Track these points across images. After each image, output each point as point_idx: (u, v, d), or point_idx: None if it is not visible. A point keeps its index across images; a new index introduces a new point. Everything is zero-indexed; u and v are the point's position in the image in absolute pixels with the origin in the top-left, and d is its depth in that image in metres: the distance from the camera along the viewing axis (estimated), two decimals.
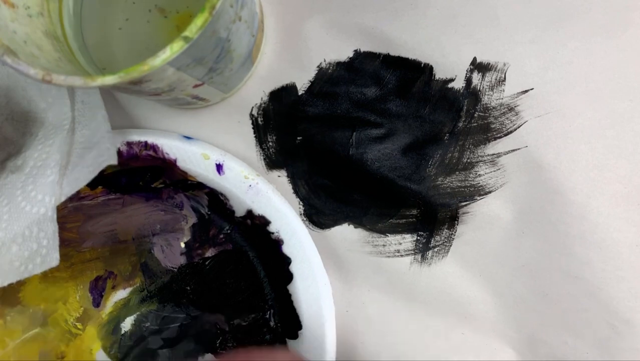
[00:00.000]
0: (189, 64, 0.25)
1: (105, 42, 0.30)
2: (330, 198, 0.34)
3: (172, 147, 0.33)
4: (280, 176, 0.35)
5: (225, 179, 0.33)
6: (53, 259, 0.26)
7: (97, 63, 0.30)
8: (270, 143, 0.35)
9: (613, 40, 0.30)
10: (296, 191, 0.35)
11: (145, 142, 0.33)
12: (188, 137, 0.34)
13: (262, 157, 0.35)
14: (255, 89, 0.34)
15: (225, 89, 0.32)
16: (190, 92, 0.29)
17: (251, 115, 0.34)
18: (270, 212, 0.33)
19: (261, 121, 0.34)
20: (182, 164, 0.33)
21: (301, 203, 0.35)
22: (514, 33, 0.31)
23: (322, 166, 0.34)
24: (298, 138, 0.34)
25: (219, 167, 0.33)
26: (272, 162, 0.35)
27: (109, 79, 0.22)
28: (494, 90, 0.32)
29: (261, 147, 0.35)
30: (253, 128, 0.35)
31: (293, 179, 0.35)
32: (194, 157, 0.33)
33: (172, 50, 0.22)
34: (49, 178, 0.27)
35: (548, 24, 0.31)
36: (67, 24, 0.29)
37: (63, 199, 0.29)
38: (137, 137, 0.33)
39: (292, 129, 0.34)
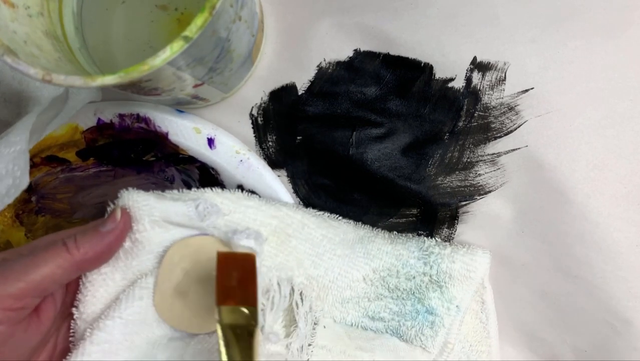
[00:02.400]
0: (189, 63, 0.25)
1: (106, 42, 0.30)
2: (330, 198, 0.35)
3: (164, 120, 0.33)
4: (280, 176, 0.35)
5: (216, 154, 0.33)
6: (23, 183, 0.27)
7: (97, 63, 0.30)
8: (270, 143, 0.35)
9: (613, 40, 0.30)
10: (296, 191, 0.35)
11: (137, 115, 0.33)
12: (180, 111, 0.33)
13: (262, 157, 0.35)
14: (255, 89, 0.34)
15: (225, 89, 0.32)
16: (190, 92, 0.29)
17: (251, 115, 0.34)
18: (261, 188, 0.33)
19: (261, 120, 0.34)
20: (173, 137, 0.33)
21: (301, 202, 0.35)
22: (514, 32, 0.31)
23: (322, 166, 0.34)
24: (298, 138, 0.34)
25: (210, 142, 0.33)
26: (272, 162, 0.35)
27: (108, 79, 0.22)
28: (494, 89, 0.32)
29: (261, 147, 0.35)
30: (253, 128, 0.35)
31: (293, 178, 0.35)
32: (185, 130, 0.33)
33: (172, 50, 0.22)
34: (28, 122, 0.28)
35: (548, 23, 0.31)
36: (67, 24, 0.29)
37: (43, 136, 0.30)
38: (129, 109, 0.33)
39: (292, 129, 0.34)
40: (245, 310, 0.25)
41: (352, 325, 0.32)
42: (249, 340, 0.25)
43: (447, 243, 0.33)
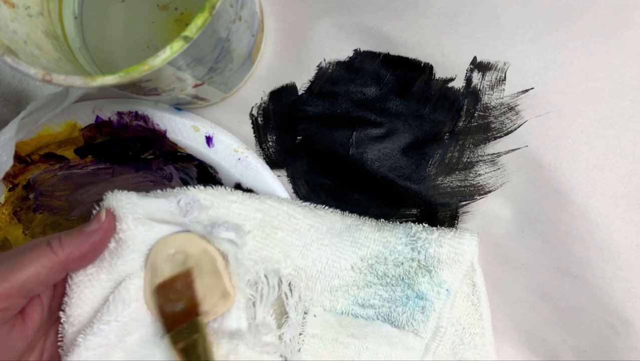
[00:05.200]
0: (189, 63, 0.25)
1: (106, 42, 0.30)
2: (330, 198, 0.35)
3: (163, 118, 0.33)
4: (280, 176, 0.35)
5: (215, 152, 0.33)
6: (8, 165, 0.28)
7: (97, 63, 0.30)
8: (270, 143, 0.35)
9: (613, 40, 0.30)
10: (296, 191, 0.35)
11: (136, 113, 0.33)
12: (178, 109, 0.34)
13: (262, 157, 0.35)
14: (255, 89, 0.34)
15: (225, 88, 0.32)
16: (190, 92, 0.29)
17: (251, 115, 0.34)
18: (259, 186, 0.33)
19: (261, 120, 0.34)
20: (172, 135, 0.33)
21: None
22: (514, 32, 0.31)
23: (322, 166, 0.34)
24: (298, 138, 0.34)
25: (209, 140, 0.33)
26: (272, 162, 0.35)
27: (109, 79, 0.22)
28: (494, 89, 0.32)
29: (261, 147, 0.35)
30: (253, 128, 0.35)
31: (293, 179, 0.35)
32: (184, 128, 0.33)
33: (172, 50, 0.22)
34: (20, 116, 0.29)
35: (548, 23, 0.31)
36: (67, 24, 0.29)
37: (38, 130, 0.30)
38: (127, 107, 0.33)
39: (292, 129, 0.34)
40: (190, 324, 0.28)
41: (342, 313, 0.32)
42: (201, 346, 0.28)
43: (434, 228, 0.33)
